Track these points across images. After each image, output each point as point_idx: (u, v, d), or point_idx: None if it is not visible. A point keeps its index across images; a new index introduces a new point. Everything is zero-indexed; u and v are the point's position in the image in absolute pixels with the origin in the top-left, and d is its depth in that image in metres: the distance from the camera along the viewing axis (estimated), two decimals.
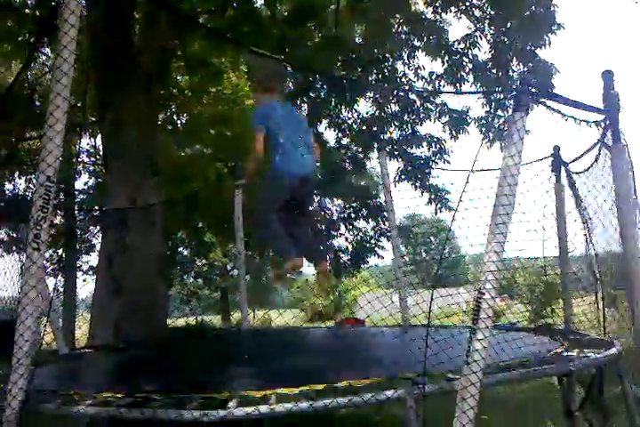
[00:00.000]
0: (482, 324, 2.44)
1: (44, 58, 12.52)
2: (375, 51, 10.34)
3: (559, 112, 3.02)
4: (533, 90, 2.83)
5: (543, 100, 2.98)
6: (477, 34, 9.54)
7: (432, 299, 3.00)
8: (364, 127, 10.67)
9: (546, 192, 4.37)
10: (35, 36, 10.16)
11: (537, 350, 3.21)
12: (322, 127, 11.27)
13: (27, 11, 10.91)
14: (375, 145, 10.18)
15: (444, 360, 2.68)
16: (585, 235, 4.15)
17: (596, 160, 3.65)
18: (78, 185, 16.25)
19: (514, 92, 2.83)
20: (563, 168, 4.55)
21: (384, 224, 11.20)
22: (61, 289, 15.32)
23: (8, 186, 14.36)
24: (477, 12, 9.54)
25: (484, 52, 9.57)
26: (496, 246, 2.56)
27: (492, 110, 9.55)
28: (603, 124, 3.20)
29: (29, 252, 2.60)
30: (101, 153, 10.19)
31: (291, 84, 11.51)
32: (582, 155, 4.04)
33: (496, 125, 9.56)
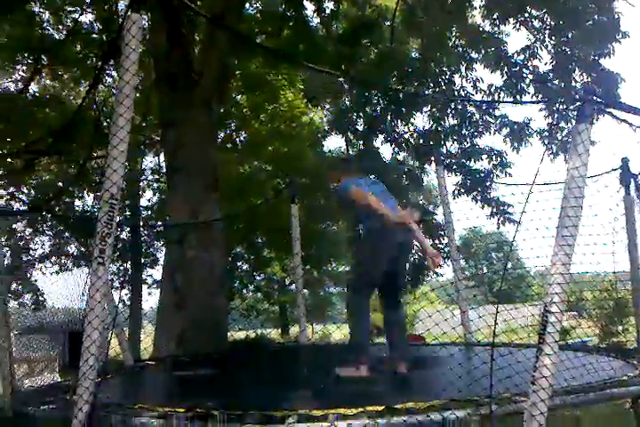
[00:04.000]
0: (548, 341, 2.34)
1: (110, 80, 13.12)
2: (432, 64, 10.29)
3: (626, 122, 2.89)
4: (597, 99, 2.72)
5: (608, 109, 2.86)
6: (537, 45, 9.33)
7: (497, 315, 2.90)
8: (421, 141, 10.57)
9: (615, 205, 4.17)
10: (101, 60, 10.67)
11: (608, 371, 3.04)
12: (378, 142, 11.26)
13: (94, 35, 11.50)
14: (432, 159, 10.07)
15: (511, 381, 2.58)
16: None
17: None
18: (143, 202, 16.83)
19: (577, 103, 2.73)
20: (632, 180, 4.35)
21: (442, 241, 11.01)
22: (128, 302, 15.86)
23: (78, 203, 15.03)
24: (537, 23, 9.34)
25: (544, 62, 9.35)
26: (563, 258, 2.46)
27: (554, 122, 9.28)
28: None
29: (95, 267, 2.68)
30: (164, 170, 10.53)
31: (347, 100, 11.59)
32: None
33: (559, 137, 9.29)
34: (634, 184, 4.33)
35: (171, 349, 6.66)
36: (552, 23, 9.13)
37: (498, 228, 10.16)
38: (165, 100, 7.68)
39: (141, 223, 15.95)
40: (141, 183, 15.94)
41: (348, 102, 11.71)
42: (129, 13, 2.64)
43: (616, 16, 8.60)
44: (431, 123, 10.68)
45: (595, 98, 2.70)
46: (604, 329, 12.84)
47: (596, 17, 8.64)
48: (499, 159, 9.94)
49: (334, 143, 55.41)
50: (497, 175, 9.98)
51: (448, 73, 10.49)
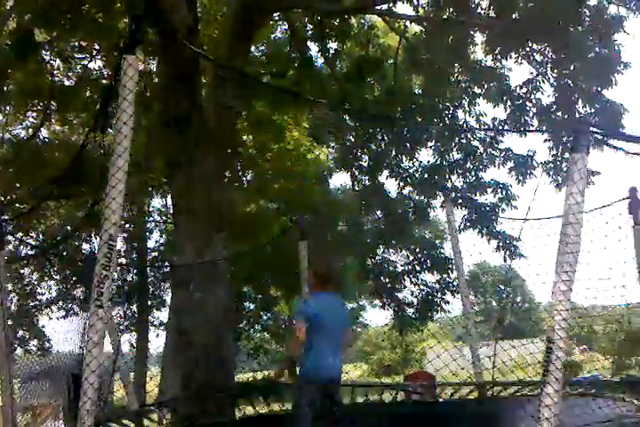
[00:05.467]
0: (552, 376, 2.26)
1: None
2: (435, 100, 10.40)
3: (622, 149, 2.90)
4: (593, 129, 2.73)
5: (604, 138, 2.87)
6: (539, 78, 9.42)
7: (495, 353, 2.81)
8: (426, 176, 10.58)
9: (625, 237, 4.10)
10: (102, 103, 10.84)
11: (620, 406, 2.92)
12: (383, 177, 11.29)
13: (103, 81, 11.75)
14: (438, 193, 10.07)
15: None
16: None
17: None
18: (150, 243, 16.82)
19: (573, 133, 2.75)
20: None
21: (450, 277, 10.91)
22: (134, 345, 15.68)
23: (85, 246, 15.03)
24: (538, 57, 9.46)
25: (547, 95, 9.42)
26: (565, 292, 2.40)
27: (558, 153, 9.28)
28: None
29: (93, 309, 2.65)
30: (171, 211, 10.57)
31: (352, 137, 11.70)
32: None
33: (564, 169, 9.27)
34: None
35: (176, 391, 6.52)
36: (553, 56, 9.24)
37: (504, 261, 10.05)
38: (172, 142, 7.75)
39: (148, 265, 15.90)
40: (149, 225, 15.98)
41: (352, 139, 11.80)
42: (125, 55, 2.68)
43: (617, 48, 8.70)
44: (436, 157, 10.72)
45: (590, 128, 2.70)
46: (615, 362, 12.51)
47: (597, 49, 8.74)
48: (504, 192, 9.92)
49: (341, 180, 55.65)
50: (502, 209, 9.94)
51: (452, 108, 10.60)
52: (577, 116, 8.96)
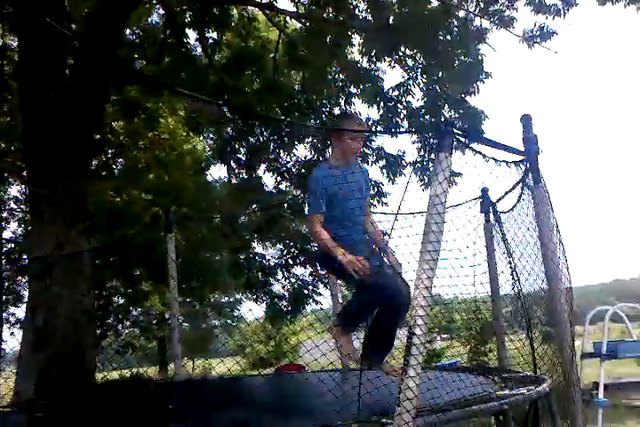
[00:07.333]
0: (412, 364, 2.38)
1: None
2: (313, 97, 10.56)
3: (480, 153, 3.09)
4: (456, 131, 2.89)
5: (465, 140, 3.05)
6: (410, 82, 9.90)
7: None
8: (303, 171, 10.74)
9: (474, 229, 4.43)
10: None
11: (472, 389, 3.16)
12: (260, 171, 11.31)
13: None
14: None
15: (379, 404, 2.59)
16: (512, 273, 4.20)
17: (519, 200, 3.76)
18: (6, 234, 15.46)
19: (439, 134, 2.89)
20: (491, 208, 4.65)
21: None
22: None
23: None
24: (410, 62, 9.92)
25: (417, 99, 9.92)
26: (426, 281, 2.54)
27: (425, 154, 9.82)
28: (523, 166, 3.30)
29: None
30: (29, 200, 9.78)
31: (230, 129, 11.57)
32: (505, 195, 4.15)
33: (430, 169, 9.82)
34: (492, 211, 4.63)
35: (30, 393, 6.08)
36: (423, 62, 9.75)
37: (373, 255, 10.45)
38: (31, 125, 7.17)
39: (4, 257, 14.63)
40: (4, 214, 14.70)
41: (230, 131, 11.68)
42: None
43: (480, 58, 9.37)
44: (313, 153, 10.91)
45: (454, 130, 2.87)
46: (472, 350, 13.63)
47: (463, 58, 9.35)
48: (376, 189, 10.32)
49: (217, 172, 54.65)
50: (374, 205, 10.33)
51: (329, 106, 10.83)
52: (443, 119, 9.53)
